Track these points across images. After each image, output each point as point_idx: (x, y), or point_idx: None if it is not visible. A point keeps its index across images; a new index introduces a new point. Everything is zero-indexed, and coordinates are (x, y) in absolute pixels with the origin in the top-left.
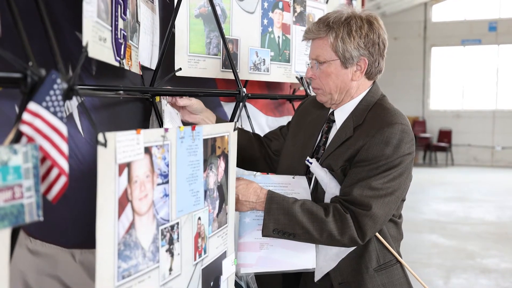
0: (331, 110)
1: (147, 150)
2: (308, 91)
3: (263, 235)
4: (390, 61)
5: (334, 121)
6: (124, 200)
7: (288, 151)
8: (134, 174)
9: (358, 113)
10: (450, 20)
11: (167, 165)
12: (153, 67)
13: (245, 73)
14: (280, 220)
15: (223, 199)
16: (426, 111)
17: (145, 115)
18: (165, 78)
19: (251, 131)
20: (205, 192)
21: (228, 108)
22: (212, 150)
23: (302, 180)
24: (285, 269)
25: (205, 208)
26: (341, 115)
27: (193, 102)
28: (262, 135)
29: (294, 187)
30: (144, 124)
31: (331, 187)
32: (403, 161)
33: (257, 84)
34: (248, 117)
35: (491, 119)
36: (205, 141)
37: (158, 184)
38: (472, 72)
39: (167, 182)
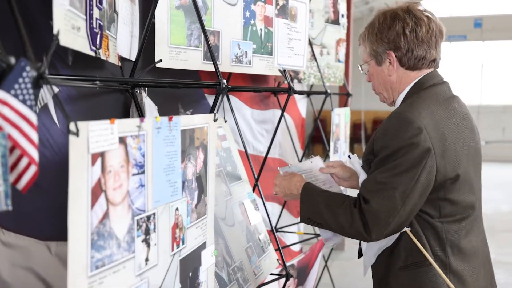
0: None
1: (122, 140)
2: (291, 84)
3: (301, 221)
4: None
5: None
6: (97, 190)
7: None
8: (108, 164)
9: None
10: (436, 16)
11: (143, 156)
12: (133, 58)
13: (227, 66)
14: (310, 210)
15: (202, 190)
16: None
17: (125, 106)
18: (145, 69)
19: (234, 123)
20: (183, 183)
21: (212, 100)
22: (190, 141)
23: (319, 162)
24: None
25: (183, 198)
26: None
27: (337, 170)
28: (249, 127)
29: (314, 171)
30: (125, 116)
31: (361, 180)
32: (407, 152)
33: (242, 77)
34: (232, 110)
35: (476, 114)
36: (183, 132)
37: (134, 174)
38: (457, 67)
39: (143, 172)
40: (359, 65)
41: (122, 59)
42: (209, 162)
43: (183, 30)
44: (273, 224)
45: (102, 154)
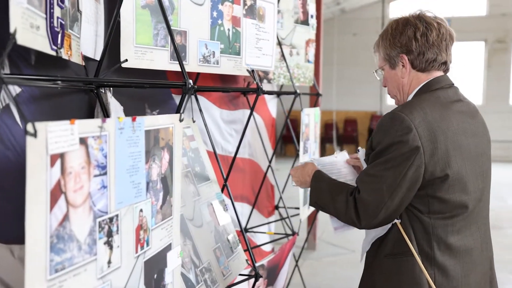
0: None
1: (83, 141)
2: (259, 84)
3: (310, 205)
4: (349, 56)
5: None
6: (57, 192)
7: None
8: (68, 165)
9: None
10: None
11: (105, 157)
12: (98, 58)
13: (194, 66)
14: (317, 196)
15: (167, 191)
16: (384, 106)
17: (90, 107)
18: (110, 69)
19: (202, 123)
20: (148, 184)
21: (179, 100)
22: (155, 141)
23: (344, 156)
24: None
25: (147, 200)
26: None
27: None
28: (218, 128)
29: (338, 165)
30: (90, 116)
31: None
32: (395, 149)
33: (211, 77)
34: (200, 110)
35: None
36: (147, 132)
37: (95, 176)
38: None
39: (105, 173)
40: (374, 71)
41: (86, 58)
42: (175, 162)
43: (149, 30)
44: (243, 225)
45: (61, 155)
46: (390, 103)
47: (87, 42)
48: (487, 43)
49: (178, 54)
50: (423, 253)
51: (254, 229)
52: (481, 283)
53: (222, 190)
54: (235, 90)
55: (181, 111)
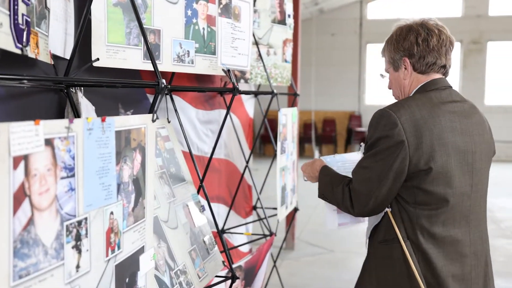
0: None
1: (49, 142)
2: (235, 84)
3: (318, 197)
4: (327, 56)
5: None
6: (20, 195)
7: None
8: (33, 167)
9: None
10: (384, 18)
11: (73, 158)
12: (67, 56)
13: (168, 65)
14: (323, 188)
15: (139, 193)
16: (362, 106)
17: (60, 107)
18: (81, 68)
19: (178, 124)
20: (119, 185)
21: None
22: (126, 142)
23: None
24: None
25: (118, 202)
26: None
27: None
28: (194, 128)
29: (348, 163)
30: (60, 117)
31: None
32: (382, 143)
33: (187, 77)
34: (176, 110)
35: None
36: (118, 133)
37: (62, 178)
38: None
39: (72, 175)
40: (380, 74)
41: (56, 57)
42: (148, 163)
43: (121, 28)
44: (220, 226)
45: (25, 157)
46: (369, 103)
47: (56, 40)
48: (463, 44)
49: (150, 53)
50: (410, 240)
51: (232, 230)
52: (470, 275)
53: (198, 191)
54: (210, 90)
55: (154, 111)
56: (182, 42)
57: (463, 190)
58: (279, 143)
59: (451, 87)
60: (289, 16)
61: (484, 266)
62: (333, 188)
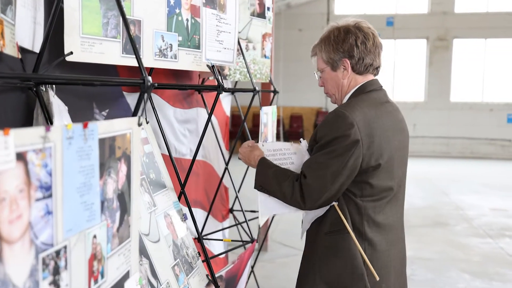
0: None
1: (21, 157)
2: (220, 79)
3: (254, 188)
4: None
5: None
6: None
7: None
8: (1, 189)
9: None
10: (350, 13)
11: (50, 174)
12: (37, 49)
13: (149, 60)
14: (262, 179)
15: (125, 210)
16: (329, 102)
17: (28, 108)
18: (52, 63)
19: (156, 123)
20: (102, 203)
21: (131, 99)
22: (110, 151)
23: (303, 147)
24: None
25: (102, 222)
26: None
27: None
28: (171, 128)
29: (287, 153)
30: (27, 119)
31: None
32: (339, 142)
33: (163, 72)
34: (154, 109)
35: None
36: (102, 141)
37: (38, 200)
38: None
39: (49, 196)
40: (314, 72)
41: (23, 50)
42: (133, 175)
43: (98, 18)
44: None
45: None
46: None
47: (23, 31)
48: (429, 40)
49: (134, 46)
50: (356, 230)
51: (210, 236)
52: (399, 258)
53: (179, 198)
54: (196, 88)
55: (140, 114)
56: (164, 35)
57: (399, 182)
58: (260, 143)
59: (383, 87)
60: (268, 9)
61: (403, 250)
62: (279, 182)
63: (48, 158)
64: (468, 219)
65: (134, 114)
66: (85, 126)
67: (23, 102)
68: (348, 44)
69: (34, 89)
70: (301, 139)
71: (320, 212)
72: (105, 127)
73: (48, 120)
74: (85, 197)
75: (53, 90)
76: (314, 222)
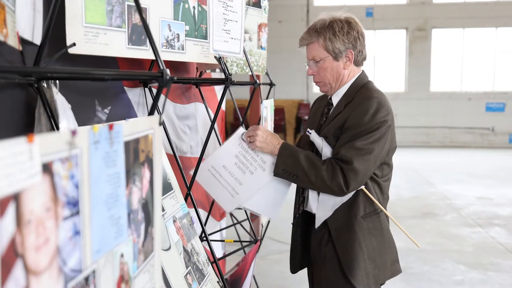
0: (329, 96)
1: (46, 168)
2: (227, 72)
3: (275, 174)
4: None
5: (332, 104)
6: (10, 257)
7: (306, 137)
8: (27, 209)
9: (349, 93)
10: (330, 4)
11: (77, 187)
12: (37, 41)
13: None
14: (288, 163)
15: (149, 221)
16: (310, 94)
17: (28, 107)
18: (54, 56)
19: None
20: (128, 215)
21: (132, 94)
22: (135, 156)
23: (237, 136)
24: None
25: (129, 238)
26: (336, 98)
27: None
28: (172, 125)
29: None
30: (28, 119)
31: (325, 152)
32: (380, 127)
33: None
34: (157, 106)
35: None
36: (127, 144)
37: (65, 218)
38: None
39: (77, 212)
40: (310, 60)
41: (23, 42)
42: (156, 181)
43: (101, 5)
44: (199, 233)
45: (15, 197)
46: (317, 91)
47: (23, 19)
48: (408, 31)
49: (150, 36)
50: (384, 210)
51: (211, 237)
52: None
53: (186, 200)
54: (207, 82)
55: (162, 112)
56: (171, 24)
57: None
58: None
59: None
60: None
61: None
62: (315, 166)
63: (74, 167)
64: (456, 209)
65: (151, 112)
66: (110, 128)
67: (22, 101)
68: (353, 37)
69: (36, 85)
70: (309, 130)
71: (342, 198)
72: (129, 128)
73: (52, 120)
74: (112, 210)
75: (56, 87)
76: (342, 208)
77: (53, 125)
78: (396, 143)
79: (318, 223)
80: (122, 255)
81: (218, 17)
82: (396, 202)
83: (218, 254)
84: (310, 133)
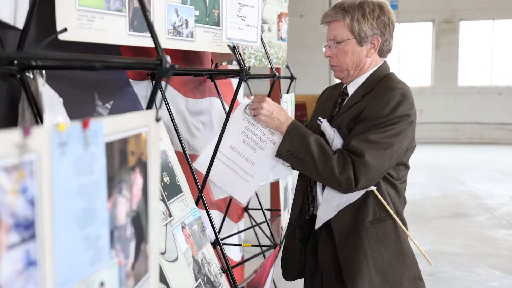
0: (344, 86)
1: None
2: (242, 63)
3: (277, 155)
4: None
5: (347, 94)
6: None
7: (312, 127)
8: None
9: (368, 83)
10: None
11: (32, 203)
12: (20, 25)
13: (162, 39)
14: (295, 144)
15: (141, 237)
16: None
17: (11, 100)
18: (41, 43)
19: (169, 116)
20: (112, 233)
21: (139, 87)
22: (121, 159)
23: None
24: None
25: (113, 261)
26: (353, 88)
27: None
28: (184, 121)
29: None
30: (10, 114)
31: (336, 143)
32: (400, 121)
33: (172, 56)
34: (165, 100)
35: None
36: (109, 145)
37: (12, 247)
38: None
39: (32, 237)
40: (330, 40)
41: (1, 26)
42: (151, 188)
43: None
44: (214, 236)
45: None
46: None
47: (1, 1)
48: (435, 23)
49: (148, 21)
50: (399, 215)
51: (227, 241)
52: None
53: (197, 203)
54: (218, 73)
55: (159, 106)
56: (178, 8)
57: None
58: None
59: None
60: None
61: None
62: (325, 154)
63: (27, 178)
64: (488, 209)
65: (149, 106)
66: (85, 125)
67: (5, 93)
68: (383, 22)
69: (19, 75)
70: (320, 118)
71: (348, 198)
72: (113, 125)
73: (38, 116)
74: (88, 229)
75: (43, 77)
76: (349, 210)
77: (39, 121)
78: (416, 142)
79: (319, 223)
80: (102, 284)
81: (232, 1)
82: (423, 201)
83: (236, 257)
84: (322, 122)
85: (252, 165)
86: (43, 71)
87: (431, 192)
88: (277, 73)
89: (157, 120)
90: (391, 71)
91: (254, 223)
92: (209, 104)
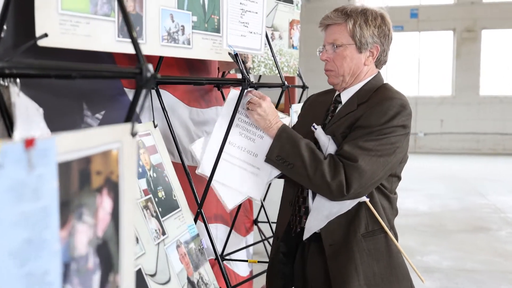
0: (337, 93)
1: None
2: (245, 72)
3: (266, 160)
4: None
5: (340, 102)
6: None
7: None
8: None
9: (363, 93)
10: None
11: None
12: None
13: (155, 46)
14: (285, 148)
15: (109, 267)
16: None
17: None
18: (18, 49)
19: (168, 126)
20: (66, 267)
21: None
22: (82, 181)
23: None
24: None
25: None
26: (347, 96)
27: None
28: (187, 131)
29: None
30: None
31: (331, 151)
32: (396, 131)
33: (176, 64)
34: (164, 109)
35: (414, 106)
36: (64, 166)
37: None
38: (395, 58)
39: None
40: (328, 44)
41: None
42: (123, 210)
43: None
44: (219, 251)
45: None
46: None
47: None
48: (456, 32)
49: (129, 25)
50: (392, 229)
51: (233, 256)
52: None
53: (196, 219)
54: (214, 82)
55: (134, 119)
56: (174, 13)
57: None
58: None
59: None
60: None
61: None
62: (316, 159)
63: None
64: (511, 223)
65: (128, 118)
66: (28, 144)
67: None
68: (383, 32)
69: None
70: (314, 125)
71: (339, 208)
72: (71, 142)
73: (10, 128)
74: (31, 264)
75: (17, 86)
76: (341, 222)
77: (11, 135)
78: (408, 156)
79: (307, 234)
80: None
81: (234, 6)
82: (442, 214)
83: (244, 272)
84: (316, 129)
85: (255, 156)
86: (17, 80)
87: (451, 205)
88: (286, 82)
89: (133, 134)
90: (383, 80)
91: (263, 237)
92: (215, 114)
